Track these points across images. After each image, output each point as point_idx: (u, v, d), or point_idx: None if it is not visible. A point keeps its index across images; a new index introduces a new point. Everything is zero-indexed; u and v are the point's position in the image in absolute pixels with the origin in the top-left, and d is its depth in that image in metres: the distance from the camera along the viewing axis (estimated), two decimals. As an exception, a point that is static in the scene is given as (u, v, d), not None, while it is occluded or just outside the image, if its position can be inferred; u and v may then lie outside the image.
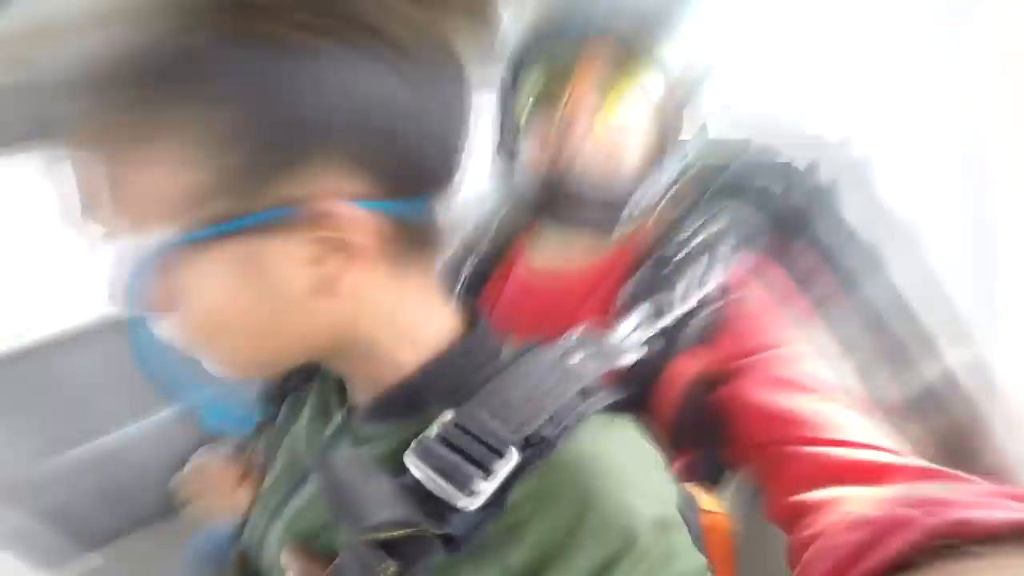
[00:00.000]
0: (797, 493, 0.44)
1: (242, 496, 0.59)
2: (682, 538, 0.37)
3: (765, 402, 0.49)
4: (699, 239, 0.59)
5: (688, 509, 0.40)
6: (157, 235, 0.32)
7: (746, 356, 0.52)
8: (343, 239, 0.33)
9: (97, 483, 1.73)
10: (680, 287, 0.54)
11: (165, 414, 1.80)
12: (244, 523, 0.53)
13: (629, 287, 0.57)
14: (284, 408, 0.55)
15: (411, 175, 0.36)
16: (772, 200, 0.64)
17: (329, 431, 0.47)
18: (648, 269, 0.58)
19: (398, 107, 0.33)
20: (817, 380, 0.51)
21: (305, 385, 0.54)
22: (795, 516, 0.44)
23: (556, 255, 0.68)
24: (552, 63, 0.61)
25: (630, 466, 0.38)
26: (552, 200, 0.61)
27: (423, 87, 0.34)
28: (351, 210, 0.33)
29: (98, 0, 0.32)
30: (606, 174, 0.60)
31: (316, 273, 0.34)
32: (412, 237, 0.38)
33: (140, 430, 1.80)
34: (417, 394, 0.41)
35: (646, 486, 0.37)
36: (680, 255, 0.58)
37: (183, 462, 1.66)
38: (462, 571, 0.36)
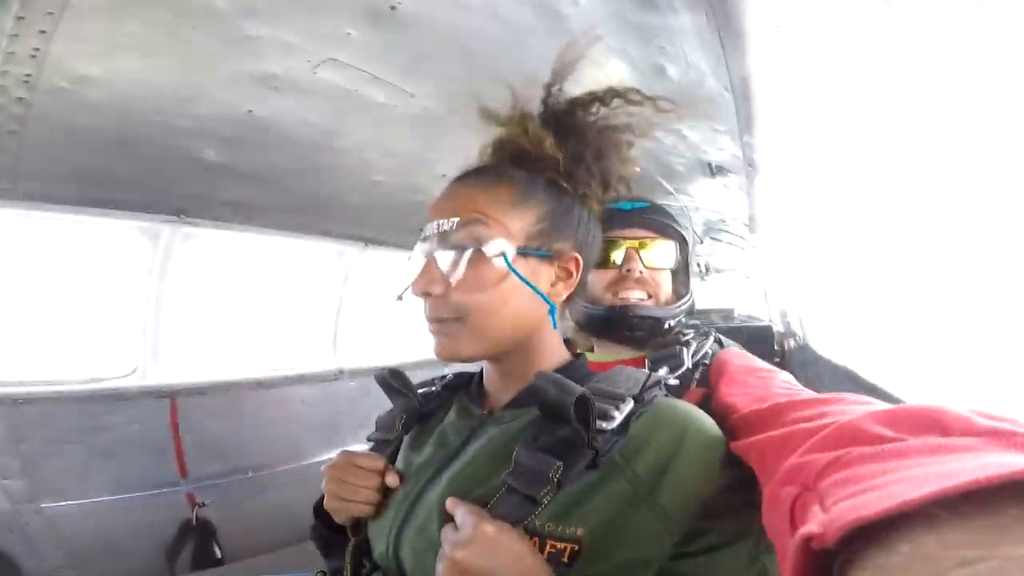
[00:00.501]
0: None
1: (377, 495, 0.68)
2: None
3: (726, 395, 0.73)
4: (690, 335, 0.94)
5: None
6: (510, 244, 0.62)
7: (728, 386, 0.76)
8: (569, 274, 0.67)
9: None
10: (685, 355, 0.86)
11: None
12: (376, 514, 0.68)
13: (651, 356, 0.90)
14: (416, 429, 0.75)
15: (588, 264, 0.70)
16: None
17: (476, 423, 0.68)
18: (662, 351, 0.90)
19: (596, 236, 0.72)
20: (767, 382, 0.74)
21: (436, 411, 0.76)
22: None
23: (607, 356, 0.99)
24: (608, 231, 0.94)
25: (703, 417, 0.60)
26: (611, 325, 0.96)
27: (599, 231, 0.73)
28: (580, 260, 0.67)
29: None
30: (648, 307, 0.96)
31: (550, 288, 0.66)
32: (578, 291, 0.69)
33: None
34: (552, 386, 0.59)
35: (717, 432, 0.58)
36: (683, 341, 0.91)
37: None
38: (598, 491, 0.54)
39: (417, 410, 0.74)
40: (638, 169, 0.73)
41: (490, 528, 0.50)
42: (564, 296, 0.67)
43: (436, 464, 0.66)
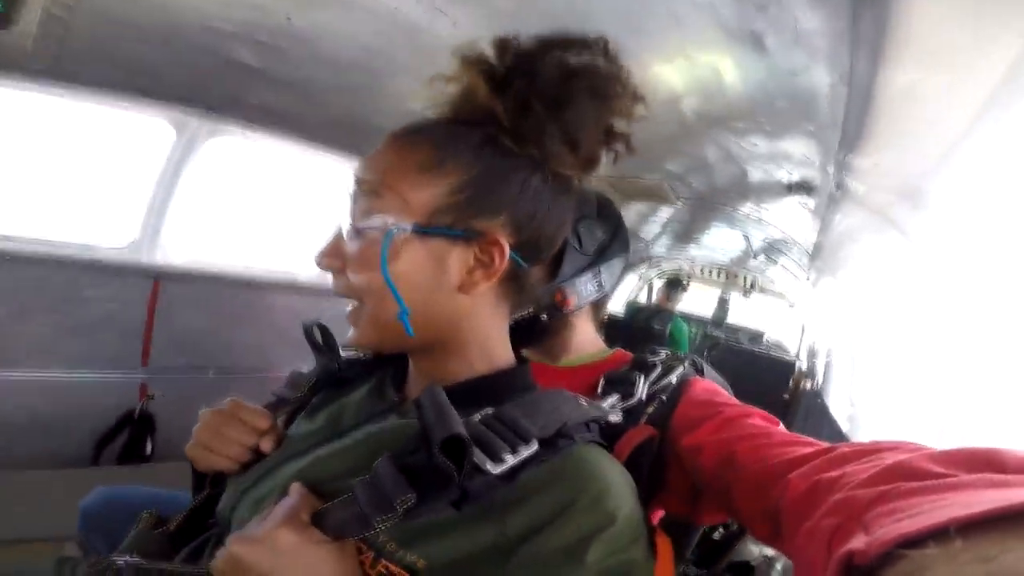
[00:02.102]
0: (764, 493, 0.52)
1: (246, 455, 0.61)
2: (643, 544, 0.48)
3: (718, 442, 0.63)
4: (662, 359, 0.79)
5: (647, 528, 0.50)
6: (402, 221, 0.51)
7: (695, 422, 0.68)
8: (491, 260, 0.52)
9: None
10: (639, 385, 0.71)
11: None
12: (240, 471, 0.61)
13: (609, 377, 0.76)
14: (325, 393, 0.67)
15: (533, 247, 0.56)
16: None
17: (381, 407, 0.59)
18: (623, 371, 0.77)
19: (551, 213, 0.56)
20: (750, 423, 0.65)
21: (349, 382, 0.67)
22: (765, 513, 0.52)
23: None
24: None
25: (617, 478, 0.50)
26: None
27: (565, 209, 0.58)
28: (504, 246, 0.52)
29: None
30: None
31: (466, 276, 0.52)
32: (515, 285, 0.57)
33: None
34: (473, 393, 0.53)
35: (626, 495, 0.49)
36: (645, 366, 0.76)
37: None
38: (459, 530, 0.46)
39: (333, 375, 0.68)
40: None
41: (287, 537, 0.45)
42: (483, 287, 0.53)
43: (315, 439, 0.59)
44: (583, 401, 0.56)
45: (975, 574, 0.25)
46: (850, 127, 1.48)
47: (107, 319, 1.91)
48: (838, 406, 2.40)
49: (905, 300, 1.65)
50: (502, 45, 0.54)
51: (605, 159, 0.58)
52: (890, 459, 0.40)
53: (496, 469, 0.45)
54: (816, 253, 2.91)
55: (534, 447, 0.47)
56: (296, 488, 0.50)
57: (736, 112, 1.84)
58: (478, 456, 0.45)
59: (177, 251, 2.05)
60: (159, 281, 2.00)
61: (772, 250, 3.40)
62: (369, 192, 0.53)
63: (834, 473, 0.44)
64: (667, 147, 2.27)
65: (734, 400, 0.72)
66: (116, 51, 1.58)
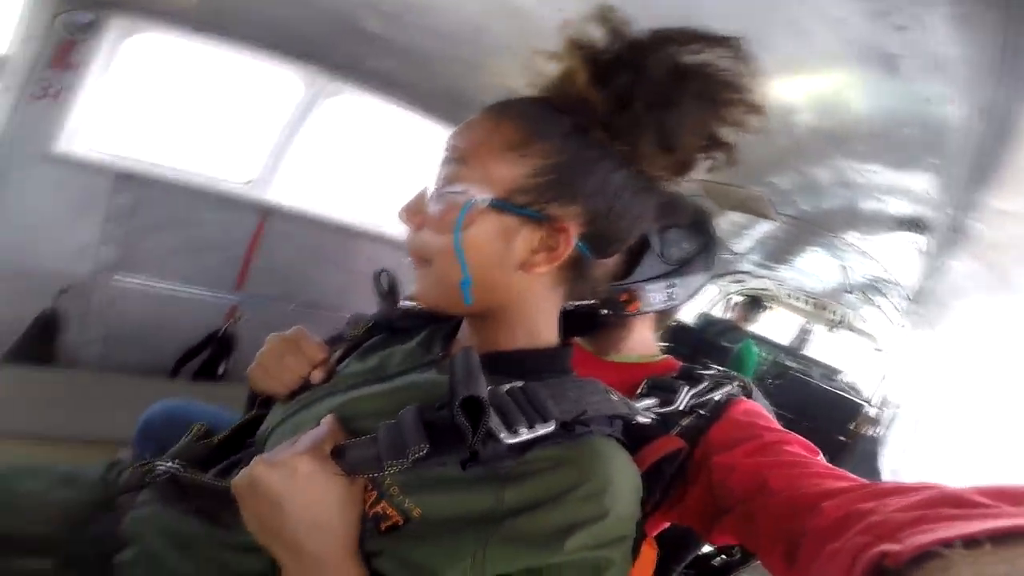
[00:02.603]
0: (789, 522, 0.51)
1: (298, 384, 0.64)
2: (625, 547, 0.49)
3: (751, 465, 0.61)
4: (712, 374, 0.75)
5: (638, 530, 0.51)
6: (485, 192, 0.52)
7: (732, 442, 0.65)
8: (557, 245, 0.52)
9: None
10: (680, 395, 0.68)
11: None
12: (288, 399, 0.64)
13: (653, 382, 0.74)
14: (382, 337, 0.69)
15: (603, 240, 0.55)
16: None
17: (427, 359, 0.61)
18: (669, 378, 0.74)
19: (628, 210, 0.54)
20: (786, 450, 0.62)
21: (408, 330, 0.69)
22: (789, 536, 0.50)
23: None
24: None
25: (623, 476, 0.50)
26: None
27: (645, 207, 0.56)
28: (571, 235, 0.52)
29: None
30: None
31: (528, 256, 0.53)
32: (576, 274, 0.56)
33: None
34: (510, 363, 0.55)
35: (627, 497, 0.49)
36: (692, 377, 0.73)
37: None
38: (458, 488, 0.47)
39: (389, 321, 0.70)
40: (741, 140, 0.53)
41: (305, 465, 0.47)
42: (543, 270, 0.53)
43: (360, 378, 0.61)
44: (614, 396, 0.55)
45: (996, 573, 0.26)
46: (982, 166, 1.31)
47: (216, 244, 2.11)
48: (889, 458, 2.20)
49: (1004, 370, 1.46)
50: (615, 30, 0.52)
51: (701, 165, 0.56)
52: (933, 492, 0.40)
53: (509, 439, 0.45)
54: (917, 299, 2.62)
55: (551, 427, 0.47)
56: (328, 420, 0.53)
57: (856, 134, 1.68)
58: (494, 423, 0.45)
59: (286, 193, 2.21)
60: (266, 216, 2.17)
61: (870, 287, 3.10)
62: (457, 160, 0.54)
63: (871, 504, 0.43)
64: (775, 160, 2.12)
65: (776, 425, 0.69)
66: (263, 11, 1.71)
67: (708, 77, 0.51)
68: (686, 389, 0.69)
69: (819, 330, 4.87)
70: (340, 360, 0.68)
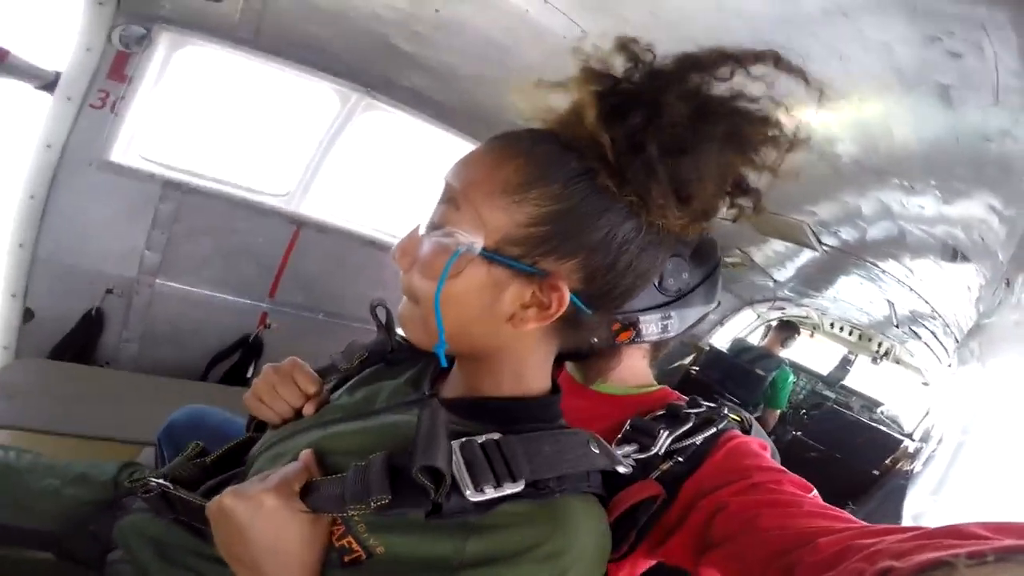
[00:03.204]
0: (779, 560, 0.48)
1: (290, 413, 0.64)
2: None
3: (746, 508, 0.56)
4: (701, 411, 0.69)
5: None
6: (476, 240, 0.48)
7: (719, 484, 0.61)
8: (549, 303, 0.48)
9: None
10: (659, 440, 0.64)
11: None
12: (274, 426, 0.65)
13: (634, 424, 0.69)
14: (375, 369, 0.68)
15: (603, 297, 0.51)
16: None
17: (413, 397, 0.59)
18: (648, 420, 0.69)
19: (634, 265, 0.50)
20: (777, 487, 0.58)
21: (402, 362, 0.68)
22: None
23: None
24: None
25: (587, 538, 0.48)
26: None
27: (654, 261, 0.52)
28: (565, 295, 0.48)
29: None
30: None
31: (517, 310, 0.49)
32: (571, 326, 0.52)
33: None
34: (493, 411, 0.53)
35: (587, 560, 0.47)
36: (677, 418, 0.68)
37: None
38: (422, 532, 0.46)
39: (383, 354, 0.69)
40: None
41: (271, 500, 0.47)
42: (533, 327, 0.50)
43: (346, 412, 0.61)
44: (595, 447, 0.52)
45: None
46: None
47: (252, 252, 2.16)
48: (915, 500, 2.01)
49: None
50: (634, 56, 0.47)
51: (723, 212, 0.51)
52: (933, 528, 0.38)
53: (474, 497, 0.44)
54: (969, 337, 2.40)
55: (519, 487, 0.45)
56: (304, 456, 0.52)
57: (903, 169, 1.54)
58: (461, 479, 0.45)
59: (320, 206, 2.24)
60: (300, 228, 2.20)
61: (917, 323, 2.87)
62: (450, 201, 0.50)
63: (869, 540, 0.40)
64: (816, 190, 1.98)
65: (768, 463, 0.64)
66: (300, 29, 1.74)
67: (735, 114, 0.45)
68: (666, 434, 0.65)
69: (863, 361, 4.56)
70: (333, 390, 0.68)
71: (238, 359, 2.21)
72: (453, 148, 2.27)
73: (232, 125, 2.16)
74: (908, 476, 2.50)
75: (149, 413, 1.01)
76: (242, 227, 2.08)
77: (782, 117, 0.46)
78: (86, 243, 1.84)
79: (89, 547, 0.65)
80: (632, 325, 0.75)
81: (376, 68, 1.91)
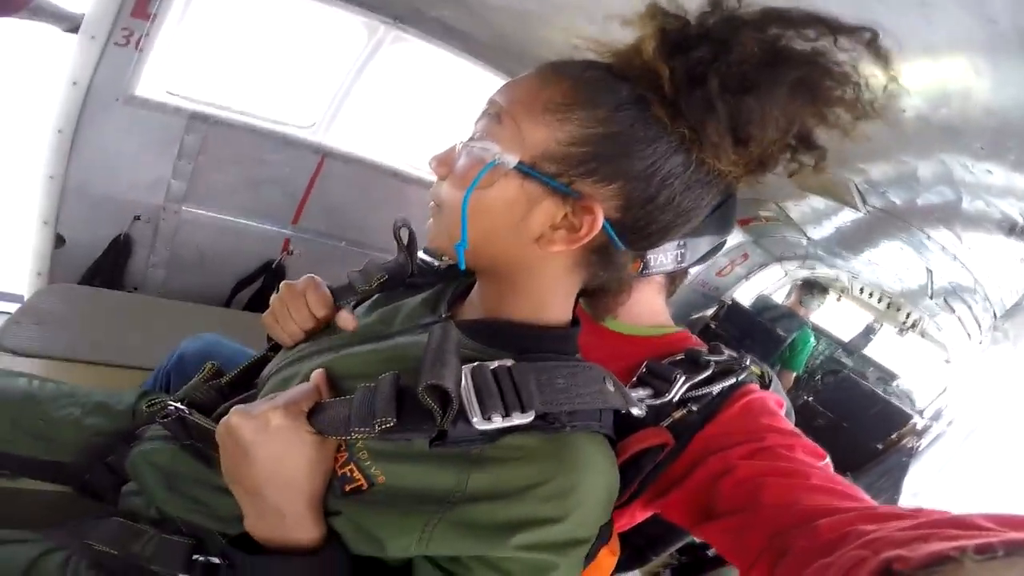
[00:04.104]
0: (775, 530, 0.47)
1: (301, 334, 0.63)
2: (575, 553, 0.46)
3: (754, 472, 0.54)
4: (721, 359, 0.66)
5: (602, 535, 0.48)
6: (513, 153, 0.46)
7: (731, 441, 0.59)
8: (578, 227, 0.46)
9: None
10: (674, 386, 0.61)
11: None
12: (288, 347, 0.63)
13: (651, 367, 0.65)
14: (393, 291, 0.66)
15: (640, 232, 0.48)
16: None
17: (429, 319, 0.57)
18: (666, 364, 0.65)
19: (677, 202, 0.47)
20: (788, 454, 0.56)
21: (422, 286, 0.65)
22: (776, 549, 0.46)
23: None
24: None
25: (594, 481, 0.46)
26: None
27: (700, 202, 0.48)
28: (598, 219, 0.46)
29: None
30: None
31: (546, 231, 0.47)
32: (602, 259, 0.50)
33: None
34: (509, 336, 0.51)
35: (593, 501, 0.46)
36: (696, 364, 0.64)
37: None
38: (425, 462, 0.45)
39: (403, 276, 0.67)
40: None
41: (278, 419, 0.46)
42: (560, 249, 0.48)
43: (361, 335, 0.58)
44: (610, 385, 0.50)
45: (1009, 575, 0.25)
46: None
47: (276, 180, 2.14)
48: (916, 478, 2.01)
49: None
50: (715, 2, 0.44)
51: (783, 167, 0.48)
52: (936, 516, 0.37)
53: (481, 425, 0.43)
54: (1009, 315, 2.27)
55: (528, 418, 0.44)
56: (316, 376, 0.51)
57: (977, 129, 1.38)
58: (469, 406, 0.43)
59: (345, 136, 2.18)
60: (324, 158, 2.16)
61: (954, 295, 2.72)
62: (492, 115, 0.49)
63: (871, 526, 0.39)
64: (870, 146, 1.82)
65: (782, 423, 0.62)
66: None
67: (812, 65, 0.42)
68: (682, 379, 0.62)
69: (887, 331, 4.41)
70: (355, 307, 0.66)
71: (262, 285, 2.22)
72: (482, 82, 2.16)
73: (259, 58, 2.10)
74: (912, 453, 2.47)
75: (174, 339, 1.00)
76: (267, 157, 2.04)
77: (862, 84, 0.43)
78: (114, 174, 1.84)
79: (106, 479, 0.66)
80: (641, 255, 0.69)
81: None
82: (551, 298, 0.53)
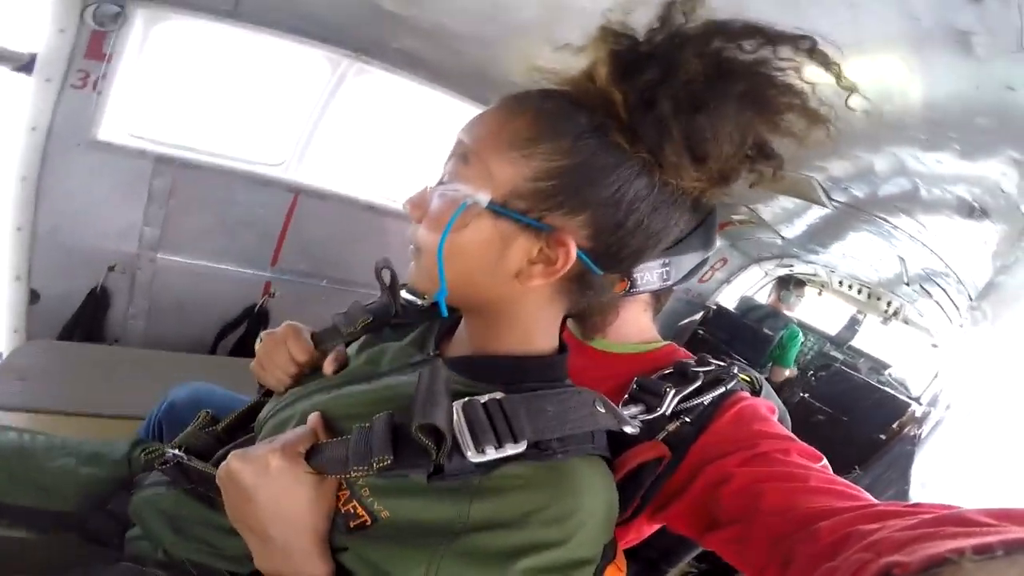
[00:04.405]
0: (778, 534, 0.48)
1: (288, 380, 0.65)
2: (586, 571, 0.46)
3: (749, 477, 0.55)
4: (710, 370, 0.67)
5: (606, 553, 0.48)
6: (483, 193, 0.47)
7: (726, 449, 0.59)
8: (554, 259, 0.47)
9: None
10: (665, 400, 0.62)
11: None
12: (275, 393, 0.66)
13: (640, 383, 0.66)
14: (379, 332, 0.68)
15: (612, 257, 0.49)
16: None
17: (418, 358, 0.58)
18: (655, 379, 0.66)
19: (645, 225, 0.48)
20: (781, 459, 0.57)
21: (406, 325, 0.67)
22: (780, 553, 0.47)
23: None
24: None
25: (593, 502, 0.46)
26: None
27: (667, 221, 0.50)
28: (571, 251, 0.47)
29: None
30: None
31: (524, 266, 0.48)
32: (581, 286, 0.51)
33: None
34: (497, 369, 0.52)
35: (595, 521, 0.46)
36: (684, 376, 0.65)
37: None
38: (426, 496, 0.45)
39: (387, 316, 0.68)
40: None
41: (277, 461, 0.48)
42: (539, 283, 0.49)
43: (351, 376, 0.60)
44: (601, 407, 0.50)
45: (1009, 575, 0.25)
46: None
47: (251, 222, 2.13)
48: (923, 466, 2.00)
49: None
50: (663, 17, 0.45)
51: (744, 178, 0.49)
52: (936, 513, 0.37)
53: (475, 458, 0.44)
54: (983, 295, 2.32)
55: (521, 447, 0.44)
56: (312, 419, 0.52)
57: (919, 122, 1.44)
58: (462, 440, 0.44)
59: (317, 172, 2.19)
60: (298, 195, 2.17)
61: (929, 281, 2.78)
62: (460, 156, 0.50)
63: (872, 526, 0.39)
64: (826, 146, 1.88)
65: (776, 428, 0.62)
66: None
67: (756, 76, 0.43)
68: (672, 392, 0.63)
69: (872, 321, 4.47)
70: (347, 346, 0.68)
71: (246, 330, 2.21)
72: (450, 110, 2.18)
73: (222, 96, 2.11)
74: (915, 441, 2.47)
75: (161, 389, 1.00)
76: (239, 198, 2.05)
77: (808, 90, 0.44)
78: (84, 221, 1.82)
79: (109, 525, 0.66)
80: (626, 275, 0.70)
81: (364, 31, 1.81)
82: (536, 328, 0.54)
